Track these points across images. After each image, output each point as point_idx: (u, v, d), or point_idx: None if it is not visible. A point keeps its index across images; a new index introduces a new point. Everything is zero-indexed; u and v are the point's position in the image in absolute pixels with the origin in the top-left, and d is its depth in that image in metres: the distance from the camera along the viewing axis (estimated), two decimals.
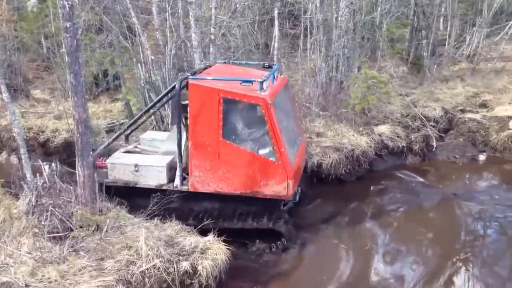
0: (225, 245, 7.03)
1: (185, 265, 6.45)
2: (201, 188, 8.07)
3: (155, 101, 9.09)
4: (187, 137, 8.11)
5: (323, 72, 12.87)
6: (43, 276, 5.86)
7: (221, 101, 7.59)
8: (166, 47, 11.23)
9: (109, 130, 12.33)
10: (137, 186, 8.22)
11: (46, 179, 7.22)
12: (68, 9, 6.35)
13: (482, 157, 12.64)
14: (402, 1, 17.42)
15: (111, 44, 12.51)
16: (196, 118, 7.78)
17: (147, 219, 7.31)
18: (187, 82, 7.80)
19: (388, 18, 15.59)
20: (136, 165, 8.19)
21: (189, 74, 8.07)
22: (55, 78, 13.49)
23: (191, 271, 6.50)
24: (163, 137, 9.23)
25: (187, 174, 8.14)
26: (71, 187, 7.21)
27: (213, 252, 6.82)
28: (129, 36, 12.08)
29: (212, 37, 11.80)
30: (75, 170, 7.13)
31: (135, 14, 11.19)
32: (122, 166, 8.25)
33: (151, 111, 9.79)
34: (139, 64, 11.49)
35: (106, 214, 7.16)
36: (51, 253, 6.31)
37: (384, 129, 12.24)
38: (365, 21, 14.92)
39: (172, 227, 7.19)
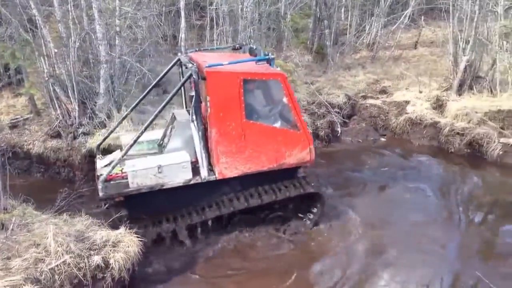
0: (137, 237, 7.08)
1: (96, 259, 6.44)
2: (229, 173, 8.14)
3: (169, 97, 8.11)
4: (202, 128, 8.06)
5: None
6: None
7: (241, 83, 7.74)
8: (70, 40, 10.90)
9: (13, 126, 11.79)
10: (163, 188, 7.86)
11: None
12: None
13: (383, 140, 13.56)
14: None
15: (11, 37, 11.89)
16: (218, 105, 7.78)
17: (56, 215, 7.19)
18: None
19: (292, 9, 16.13)
20: (159, 167, 7.78)
21: (193, 65, 7.88)
22: None
23: (103, 265, 6.49)
24: (152, 137, 8.96)
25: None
26: None
27: (125, 245, 6.84)
28: (30, 29, 11.56)
29: (118, 29, 11.64)
30: None
31: (36, 6, 10.75)
32: (144, 171, 7.72)
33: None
34: (42, 58, 11.07)
35: (11, 212, 6.95)
36: None
37: None
38: (270, 11, 15.33)
39: (82, 222, 7.13)
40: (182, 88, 8.78)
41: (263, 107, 8.38)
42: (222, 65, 7.82)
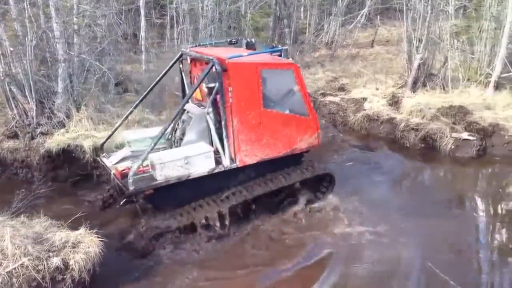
0: (98, 237, 7.07)
1: (55, 261, 6.35)
2: (249, 160, 8.41)
3: (192, 91, 8.25)
4: (218, 118, 8.29)
5: None
6: None
7: (260, 73, 8.08)
8: (26, 38, 10.70)
9: None
10: (190, 178, 7.92)
11: None
12: None
13: (341, 136, 13.89)
14: None
15: None
16: (239, 95, 8.03)
17: (13, 217, 7.09)
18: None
19: (252, 8, 16.31)
20: (186, 157, 7.83)
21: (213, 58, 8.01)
22: None
23: (62, 266, 6.40)
24: (155, 134, 8.74)
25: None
26: None
27: (85, 246, 6.79)
28: None
29: (76, 27, 11.49)
30: None
31: None
32: (172, 163, 7.76)
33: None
34: None
35: None
36: None
37: None
38: (231, 10, 15.45)
39: (41, 223, 7.04)
40: (184, 83, 9.24)
41: (277, 95, 8.74)
42: (241, 56, 8.22)
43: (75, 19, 11.34)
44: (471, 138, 12.05)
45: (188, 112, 8.86)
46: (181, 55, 9.18)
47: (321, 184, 9.49)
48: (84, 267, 6.56)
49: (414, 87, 14.17)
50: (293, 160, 9.08)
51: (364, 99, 14.50)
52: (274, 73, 8.45)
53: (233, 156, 8.26)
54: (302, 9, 19.22)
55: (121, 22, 14.87)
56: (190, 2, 13.72)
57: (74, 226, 7.24)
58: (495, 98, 13.61)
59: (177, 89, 12.94)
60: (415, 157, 12.16)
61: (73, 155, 10.12)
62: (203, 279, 7.34)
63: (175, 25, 13.94)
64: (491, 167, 11.67)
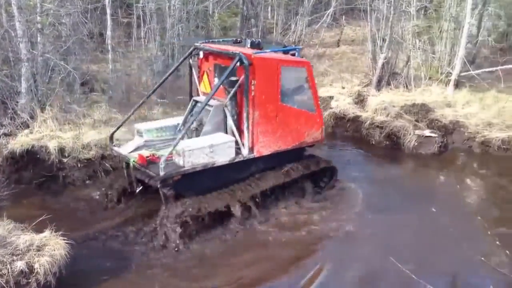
0: (64, 239, 7.00)
1: (19, 264, 6.24)
2: (265, 151, 8.87)
3: (220, 81, 8.47)
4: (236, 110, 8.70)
5: (160, 60, 13.16)
6: None
7: (280, 69, 8.65)
8: None
9: None
10: (214, 165, 8.29)
11: None
12: None
13: None
14: None
15: None
16: (261, 88, 8.52)
17: None
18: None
19: (220, 7, 16.35)
20: (211, 146, 8.15)
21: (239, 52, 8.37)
22: None
23: (27, 270, 6.31)
24: (170, 124, 9.34)
25: None
26: None
27: (50, 248, 6.70)
28: None
29: (39, 26, 11.32)
30: None
31: None
32: (199, 150, 8.07)
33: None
34: None
35: None
36: None
37: None
38: (198, 9, 15.45)
39: (4, 226, 6.93)
40: (193, 77, 9.58)
41: (291, 91, 9.22)
42: (265, 52, 8.82)
43: (38, 18, 11.18)
44: (433, 135, 12.43)
45: (198, 104, 9.14)
46: (193, 50, 9.46)
47: (324, 177, 10.04)
48: (50, 270, 6.48)
49: (378, 86, 14.50)
50: (295, 154, 9.57)
51: (331, 97, 14.71)
52: (290, 70, 9.02)
53: (251, 146, 8.70)
54: (269, 8, 19.38)
55: (87, 21, 14.66)
56: (157, 1, 13.65)
57: (39, 229, 7.14)
58: (455, 96, 14.06)
59: (145, 89, 12.94)
60: (380, 154, 12.44)
61: (38, 156, 9.93)
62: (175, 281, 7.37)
63: (142, 24, 13.84)
64: (451, 162, 12.05)
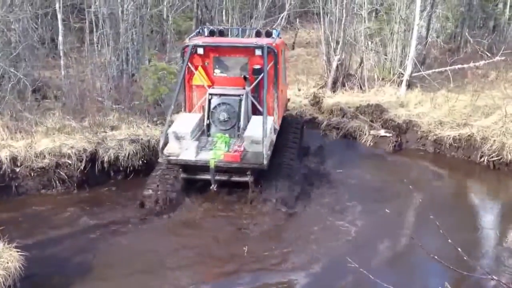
0: (18, 251, 6.80)
1: None
2: (279, 122, 10.48)
3: (262, 75, 9.40)
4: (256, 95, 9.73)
5: (114, 66, 12.97)
6: None
7: (283, 52, 10.44)
8: None
9: None
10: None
11: None
12: None
13: None
14: None
15: None
16: (281, 71, 9.95)
17: None
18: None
19: (174, 11, 16.24)
20: (271, 128, 9.26)
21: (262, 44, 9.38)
22: None
23: None
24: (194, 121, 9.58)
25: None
26: None
27: (4, 261, 6.55)
28: None
29: None
30: None
31: None
32: (269, 134, 9.03)
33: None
34: None
35: None
36: None
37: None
38: (152, 14, 15.32)
39: None
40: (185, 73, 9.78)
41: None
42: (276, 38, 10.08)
43: None
44: (388, 134, 12.78)
45: (220, 96, 9.63)
46: (192, 48, 9.62)
47: None
48: (4, 284, 6.33)
49: (333, 87, 14.79)
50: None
51: (287, 100, 14.87)
52: (284, 51, 10.65)
53: (277, 121, 10.04)
54: (223, 12, 19.39)
55: (37, 26, 14.31)
56: (110, 6, 13.43)
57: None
58: (407, 96, 14.49)
59: (99, 95, 12.69)
60: (337, 155, 12.61)
61: None
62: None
63: (95, 29, 13.56)
64: (405, 161, 12.39)
